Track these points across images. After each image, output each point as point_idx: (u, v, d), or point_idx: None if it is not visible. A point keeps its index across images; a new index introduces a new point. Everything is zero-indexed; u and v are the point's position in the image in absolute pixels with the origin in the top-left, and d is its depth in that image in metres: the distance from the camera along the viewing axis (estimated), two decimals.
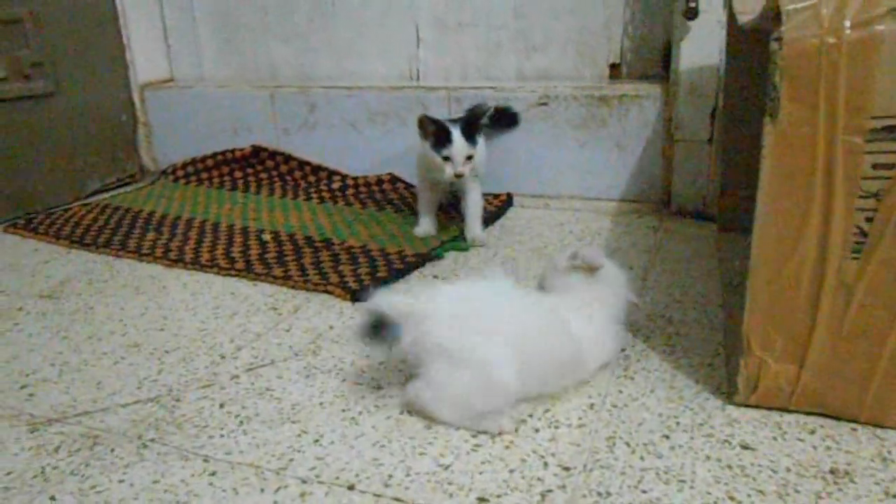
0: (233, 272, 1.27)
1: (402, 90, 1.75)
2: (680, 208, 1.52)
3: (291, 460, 0.74)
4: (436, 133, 1.32)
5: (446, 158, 1.31)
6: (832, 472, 0.68)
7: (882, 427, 0.74)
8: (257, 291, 1.19)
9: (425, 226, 1.44)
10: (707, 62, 1.41)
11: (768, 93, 0.61)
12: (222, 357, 0.97)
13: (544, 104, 1.61)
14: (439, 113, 1.68)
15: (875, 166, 0.61)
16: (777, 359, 0.72)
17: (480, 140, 1.37)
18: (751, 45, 1.19)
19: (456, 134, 1.31)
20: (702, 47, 1.40)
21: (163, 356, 0.98)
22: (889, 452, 0.70)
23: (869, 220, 0.63)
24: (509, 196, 1.65)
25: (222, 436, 0.78)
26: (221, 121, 1.98)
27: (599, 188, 1.61)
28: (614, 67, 1.65)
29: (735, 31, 1.23)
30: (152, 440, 0.78)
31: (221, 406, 0.85)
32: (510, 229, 1.47)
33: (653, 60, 1.61)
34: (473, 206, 1.41)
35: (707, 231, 1.39)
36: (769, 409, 0.78)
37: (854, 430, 0.74)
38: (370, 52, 1.86)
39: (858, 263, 0.65)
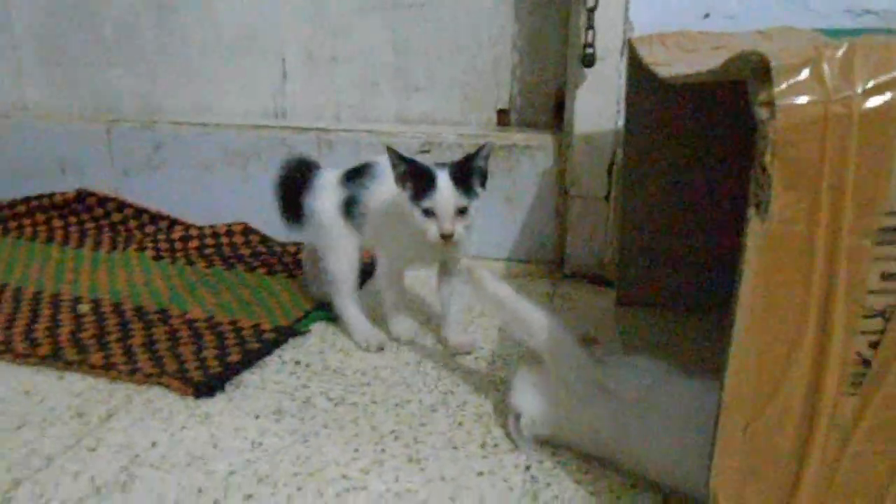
0: (32, 359, 0.98)
1: (264, 129, 1.53)
2: (574, 270, 1.38)
3: None
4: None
5: (428, 213, 0.93)
6: None
7: None
8: (62, 388, 0.92)
9: (403, 324, 1.10)
10: (605, 112, 1.29)
11: (755, 179, 0.45)
12: None
13: (426, 151, 1.44)
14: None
15: (884, 276, 0.47)
16: None
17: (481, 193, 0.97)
18: (655, 98, 1.08)
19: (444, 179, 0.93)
20: (599, 96, 1.28)
21: None
22: None
23: (873, 345, 0.49)
24: None
25: None
26: (47, 158, 1.67)
27: (487, 246, 1.45)
28: (502, 114, 1.51)
29: (637, 82, 1.11)
30: None
31: None
32: None
33: (544, 108, 1.48)
34: (457, 297, 1.07)
35: (607, 300, 1.25)
36: None
37: None
38: (229, 84, 1.62)
39: (857, 400, 0.50)
